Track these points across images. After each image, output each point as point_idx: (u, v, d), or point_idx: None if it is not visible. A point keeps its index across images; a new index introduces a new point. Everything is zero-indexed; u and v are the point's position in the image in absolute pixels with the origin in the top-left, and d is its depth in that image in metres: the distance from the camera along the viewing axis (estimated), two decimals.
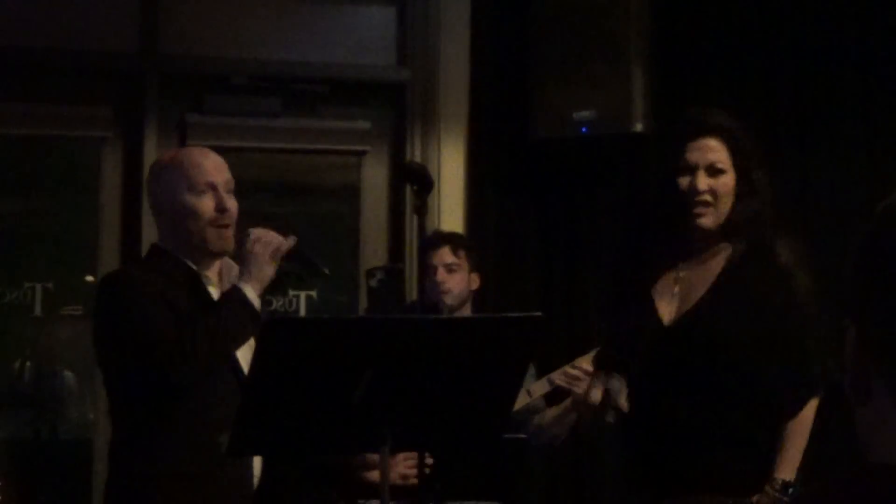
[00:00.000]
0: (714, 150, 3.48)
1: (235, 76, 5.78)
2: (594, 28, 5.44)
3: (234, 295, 3.31)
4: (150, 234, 4.52)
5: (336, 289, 5.99)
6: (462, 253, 4.86)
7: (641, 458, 3.47)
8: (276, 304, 5.86)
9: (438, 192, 5.55)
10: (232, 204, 3.50)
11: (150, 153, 5.50)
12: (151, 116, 5.65)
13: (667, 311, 3.46)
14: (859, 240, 1.31)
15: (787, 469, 3.34)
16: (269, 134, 5.83)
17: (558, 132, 5.50)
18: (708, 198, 3.44)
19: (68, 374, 5.94)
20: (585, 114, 5.42)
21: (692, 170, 3.46)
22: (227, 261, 3.55)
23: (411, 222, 5.68)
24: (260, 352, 2.80)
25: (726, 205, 3.47)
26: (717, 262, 3.49)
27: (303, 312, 5.84)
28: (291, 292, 5.88)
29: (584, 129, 5.43)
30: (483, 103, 5.80)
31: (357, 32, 5.94)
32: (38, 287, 5.70)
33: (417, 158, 5.70)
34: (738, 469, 3.36)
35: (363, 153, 5.98)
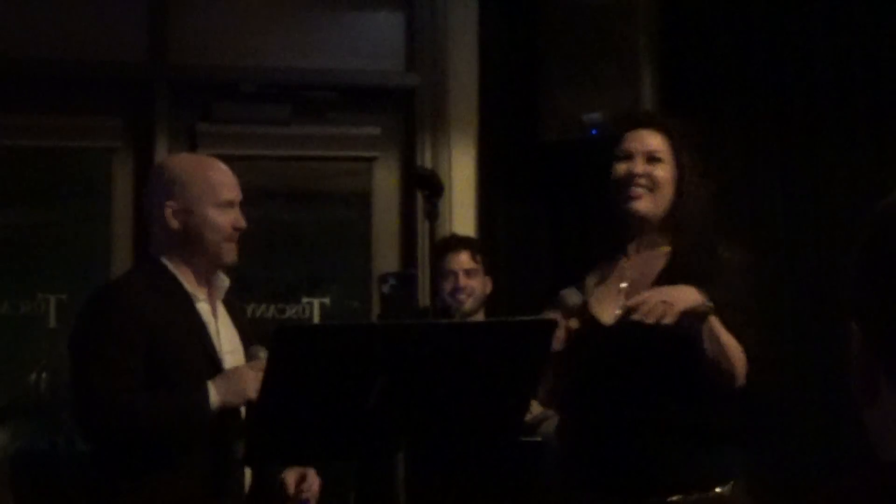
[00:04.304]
0: (653, 139, 3.43)
1: (244, 84, 5.79)
2: (602, 30, 5.43)
3: (197, 397, 3.31)
4: None
5: (349, 295, 6.00)
6: (479, 257, 4.90)
7: (601, 462, 3.36)
8: (290, 311, 5.87)
9: (449, 196, 5.55)
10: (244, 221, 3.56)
11: None
12: (162, 126, 5.66)
13: (610, 310, 3.36)
14: (862, 239, 1.31)
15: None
16: (278, 141, 5.84)
17: (568, 134, 5.49)
18: (644, 181, 3.38)
19: None
20: (595, 116, 5.41)
21: (629, 157, 3.42)
22: (218, 273, 3.58)
23: (423, 227, 5.68)
24: (273, 359, 2.80)
25: (664, 195, 3.40)
26: (658, 261, 3.42)
27: (316, 319, 5.85)
28: (305, 299, 5.89)
29: (593, 131, 5.42)
30: (492, 107, 5.80)
31: (366, 39, 5.94)
32: (52, 298, 5.70)
33: (427, 163, 5.70)
34: (700, 461, 3.32)
35: (373, 159, 5.99)
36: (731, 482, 3.36)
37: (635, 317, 3.13)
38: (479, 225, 5.72)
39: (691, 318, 3.18)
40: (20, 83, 5.55)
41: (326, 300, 5.90)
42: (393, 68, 5.98)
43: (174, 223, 3.48)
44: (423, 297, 5.13)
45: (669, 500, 3.30)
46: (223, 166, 3.61)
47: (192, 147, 5.65)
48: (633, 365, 3.31)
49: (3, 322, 5.70)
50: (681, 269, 3.35)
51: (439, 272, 4.82)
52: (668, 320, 3.11)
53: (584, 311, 3.34)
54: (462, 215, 5.70)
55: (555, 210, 5.73)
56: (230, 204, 3.51)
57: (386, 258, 5.87)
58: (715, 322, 3.22)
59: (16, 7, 5.54)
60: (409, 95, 5.93)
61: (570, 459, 3.48)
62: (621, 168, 3.42)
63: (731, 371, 3.26)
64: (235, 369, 3.38)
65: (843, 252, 5.40)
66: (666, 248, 3.44)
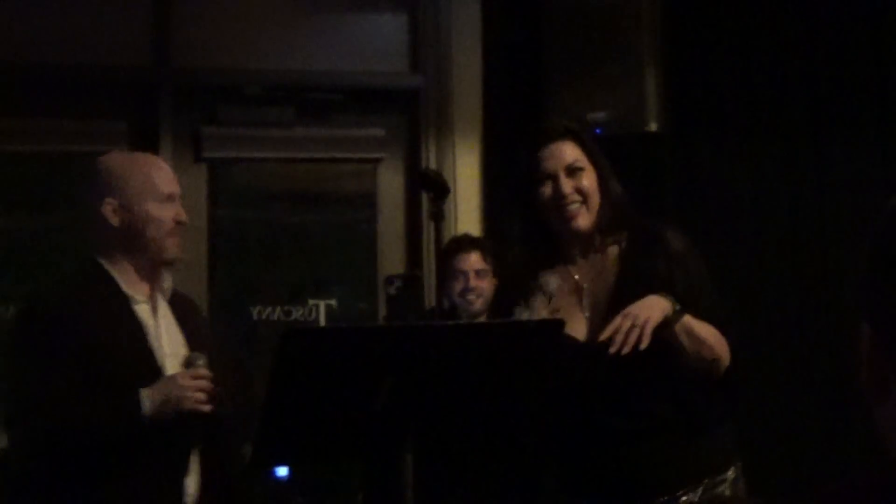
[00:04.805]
0: (567, 150, 3.42)
1: (248, 87, 5.79)
2: (606, 29, 5.44)
3: (128, 405, 3.28)
4: None
5: (355, 297, 6.00)
6: (489, 258, 4.90)
7: (606, 473, 3.34)
8: (296, 313, 5.86)
9: (454, 197, 5.55)
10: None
11: None
12: (166, 129, 5.66)
13: (579, 326, 3.34)
14: (870, 238, 1.31)
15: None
16: (283, 143, 5.83)
17: None
18: (577, 197, 3.37)
19: None
20: (599, 115, 5.41)
21: (552, 177, 3.39)
22: (163, 273, 3.56)
23: (428, 229, 5.68)
24: (279, 362, 2.80)
25: (595, 201, 3.38)
26: (609, 263, 3.41)
27: (322, 321, 5.84)
28: (311, 301, 5.88)
29: (598, 131, 5.42)
30: (496, 108, 5.80)
31: (370, 40, 5.95)
32: None
33: (432, 164, 5.71)
34: (696, 451, 3.31)
35: (378, 160, 5.98)
36: (733, 467, 3.37)
37: (612, 350, 3.11)
38: (484, 225, 5.72)
39: (664, 326, 3.19)
40: (24, 87, 5.55)
41: (332, 302, 5.90)
42: (397, 70, 5.98)
43: (114, 220, 3.45)
44: (430, 299, 5.14)
45: (677, 494, 3.30)
46: (161, 162, 3.63)
47: (197, 150, 5.65)
48: (614, 373, 3.27)
49: (6, 326, 5.70)
50: (637, 269, 3.35)
51: (449, 272, 4.82)
52: (644, 345, 3.10)
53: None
54: (467, 216, 5.70)
55: None
56: (170, 198, 3.49)
57: (391, 260, 5.87)
58: (688, 319, 3.22)
59: (19, 11, 5.54)
60: (413, 97, 5.93)
61: (567, 473, 3.46)
62: (547, 191, 3.39)
63: (713, 358, 3.27)
64: (172, 377, 3.33)
65: (849, 249, 5.41)
66: (612, 248, 3.43)
